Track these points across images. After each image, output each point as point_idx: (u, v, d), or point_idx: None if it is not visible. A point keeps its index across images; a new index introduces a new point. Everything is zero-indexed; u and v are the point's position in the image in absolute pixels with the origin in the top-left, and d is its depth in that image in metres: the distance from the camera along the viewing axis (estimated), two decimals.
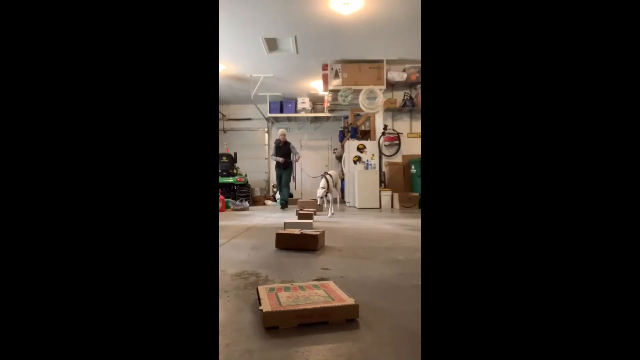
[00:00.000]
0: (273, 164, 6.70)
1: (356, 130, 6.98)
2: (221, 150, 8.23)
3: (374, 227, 3.60)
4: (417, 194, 5.85)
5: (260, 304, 1.19)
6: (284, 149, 6.37)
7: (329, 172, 5.20)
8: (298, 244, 2.36)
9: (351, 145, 6.52)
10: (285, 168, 6.43)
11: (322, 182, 4.93)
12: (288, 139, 6.56)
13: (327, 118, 8.74)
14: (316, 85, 7.45)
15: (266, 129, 9.19)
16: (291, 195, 8.26)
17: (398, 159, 6.42)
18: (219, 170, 7.44)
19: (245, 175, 7.87)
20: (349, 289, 1.39)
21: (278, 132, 6.50)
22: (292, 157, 6.40)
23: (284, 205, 6.49)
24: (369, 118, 7.00)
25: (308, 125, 9.25)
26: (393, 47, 5.70)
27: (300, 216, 4.00)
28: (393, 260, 2.03)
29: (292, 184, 9.25)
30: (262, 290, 1.35)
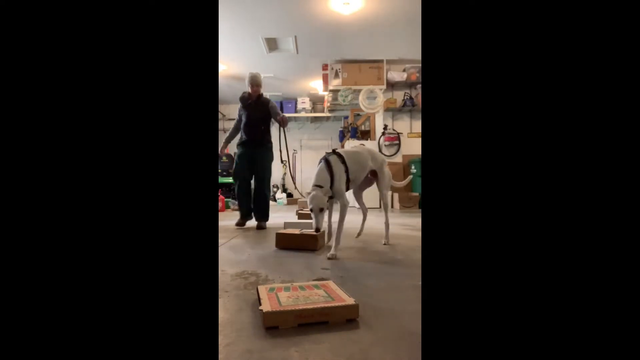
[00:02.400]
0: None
1: (356, 130, 6.98)
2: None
3: (374, 226, 3.59)
4: (417, 194, 5.85)
5: (260, 304, 1.19)
6: (257, 111, 3.26)
7: (336, 150, 2.28)
8: (298, 243, 2.36)
9: (351, 145, 6.51)
10: (259, 145, 3.31)
11: (317, 175, 2.12)
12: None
13: (327, 118, 8.74)
14: (316, 85, 7.44)
15: None
16: (290, 195, 8.17)
17: (398, 159, 6.42)
18: (219, 170, 7.42)
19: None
20: (349, 289, 1.39)
21: (247, 79, 3.32)
22: (272, 125, 3.42)
23: (257, 219, 3.41)
24: (369, 118, 7.00)
25: (308, 125, 9.24)
26: (393, 47, 5.70)
27: (300, 216, 3.99)
28: (393, 260, 2.03)
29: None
30: (262, 290, 1.35)
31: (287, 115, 8.27)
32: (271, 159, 3.46)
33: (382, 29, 5.00)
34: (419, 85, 6.24)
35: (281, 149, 3.45)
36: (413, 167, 6.17)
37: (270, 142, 3.47)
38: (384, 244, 2.49)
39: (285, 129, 3.38)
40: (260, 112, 3.35)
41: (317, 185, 2.10)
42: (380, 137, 6.45)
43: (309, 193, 2.08)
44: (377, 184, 2.53)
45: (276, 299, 1.22)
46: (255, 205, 3.43)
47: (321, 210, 2.05)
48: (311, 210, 2.05)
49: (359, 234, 2.74)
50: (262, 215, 3.47)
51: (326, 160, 2.19)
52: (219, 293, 1.44)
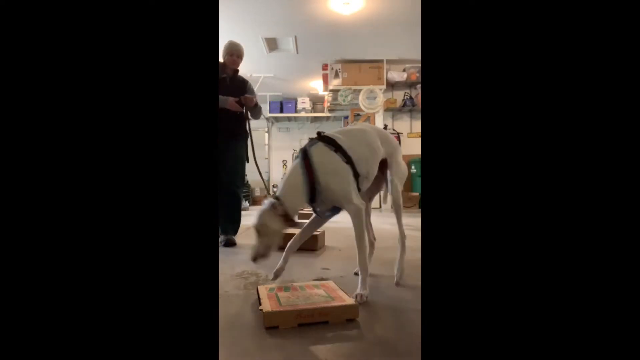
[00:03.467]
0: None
1: None
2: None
3: (374, 227, 3.59)
4: (417, 194, 5.84)
5: (260, 304, 1.19)
6: (233, 91, 2.52)
7: (325, 134, 1.45)
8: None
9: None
10: (234, 136, 2.57)
11: (286, 177, 1.38)
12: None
13: (327, 118, 8.73)
14: (316, 85, 7.44)
15: (266, 129, 9.19)
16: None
17: None
18: None
19: (246, 175, 7.84)
20: (349, 289, 1.39)
21: (223, 48, 2.62)
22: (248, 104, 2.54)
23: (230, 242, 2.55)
24: (369, 118, 7.00)
25: (308, 125, 9.24)
26: (393, 47, 5.69)
27: (300, 216, 3.99)
28: (393, 260, 2.03)
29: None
30: (262, 290, 1.35)
31: (287, 115, 8.33)
32: (246, 150, 2.67)
33: (382, 29, 4.99)
34: (419, 85, 6.23)
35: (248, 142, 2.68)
36: (413, 167, 6.17)
37: (247, 132, 2.67)
38: (396, 283, 1.57)
39: (272, 125, 2.71)
40: (237, 93, 2.50)
41: (276, 198, 1.33)
42: None
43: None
44: (389, 176, 1.64)
45: (276, 299, 1.22)
46: (222, 208, 2.45)
47: (259, 233, 1.31)
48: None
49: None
50: (232, 225, 2.61)
51: (304, 154, 1.37)
52: (219, 293, 1.44)
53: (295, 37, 5.28)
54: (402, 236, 1.63)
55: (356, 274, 1.71)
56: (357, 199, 1.38)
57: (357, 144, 1.46)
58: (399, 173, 1.67)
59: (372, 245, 1.78)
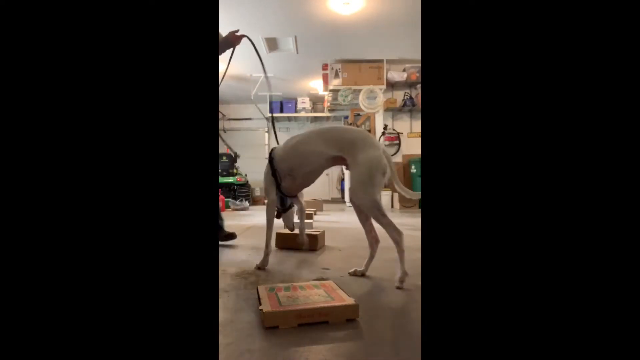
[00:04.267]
0: None
1: None
2: (222, 150, 8.22)
3: (374, 227, 3.59)
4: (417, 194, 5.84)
5: (260, 304, 1.19)
6: None
7: (273, 151, 1.90)
8: (298, 243, 2.36)
9: None
10: None
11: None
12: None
13: (327, 118, 8.74)
14: (316, 85, 7.44)
15: (266, 129, 9.20)
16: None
17: (398, 159, 6.42)
18: (219, 170, 7.42)
19: (245, 175, 7.87)
20: (349, 289, 1.39)
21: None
22: None
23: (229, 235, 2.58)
24: (369, 118, 7.00)
25: (308, 125, 9.24)
26: (393, 47, 5.70)
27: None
28: (393, 260, 2.03)
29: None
30: (262, 289, 1.35)
31: (287, 115, 8.33)
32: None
33: (382, 29, 4.99)
34: (419, 85, 6.24)
35: None
36: (413, 167, 6.17)
37: None
38: (397, 287, 1.50)
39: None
40: None
41: None
42: (380, 137, 6.45)
43: None
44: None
45: (276, 299, 1.22)
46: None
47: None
48: None
49: (358, 272, 1.77)
50: (219, 219, 2.64)
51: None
52: (219, 293, 1.44)
53: (295, 37, 5.28)
54: (395, 236, 1.54)
55: (350, 274, 1.76)
56: (269, 195, 1.90)
57: (285, 146, 1.84)
58: (356, 175, 1.57)
59: (372, 245, 1.80)
